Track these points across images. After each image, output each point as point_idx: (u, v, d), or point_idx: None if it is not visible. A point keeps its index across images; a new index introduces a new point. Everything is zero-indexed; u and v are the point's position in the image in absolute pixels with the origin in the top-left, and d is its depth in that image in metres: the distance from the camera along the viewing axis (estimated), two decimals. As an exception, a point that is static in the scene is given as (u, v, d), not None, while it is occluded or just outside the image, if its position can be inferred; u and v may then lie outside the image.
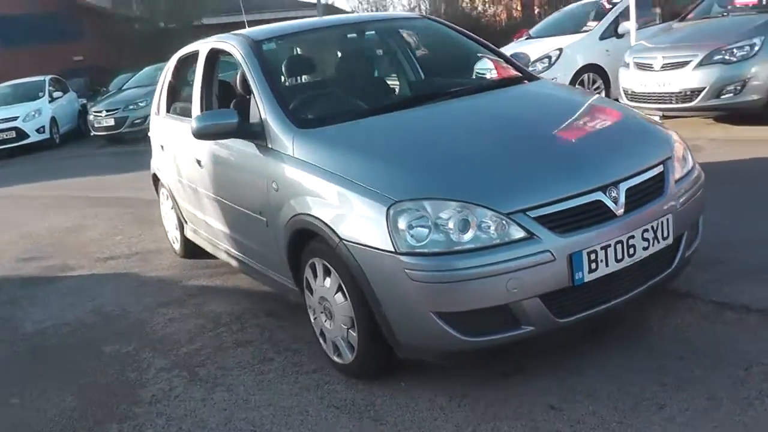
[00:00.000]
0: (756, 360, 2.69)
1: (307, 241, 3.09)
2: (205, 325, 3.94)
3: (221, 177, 3.90)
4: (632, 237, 2.70)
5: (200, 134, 3.47)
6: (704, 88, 6.37)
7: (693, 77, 6.45)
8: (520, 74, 3.97)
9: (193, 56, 4.55)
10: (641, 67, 7.08)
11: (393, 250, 2.58)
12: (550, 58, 8.56)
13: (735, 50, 6.23)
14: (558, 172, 2.74)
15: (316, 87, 4.36)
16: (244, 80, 3.75)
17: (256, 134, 3.42)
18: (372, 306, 2.72)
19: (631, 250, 2.71)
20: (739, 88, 6.16)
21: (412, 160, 2.91)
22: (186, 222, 4.88)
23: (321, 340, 3.23)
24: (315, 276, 3.09)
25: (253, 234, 3.65)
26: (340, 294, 2.92)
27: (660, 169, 2.91)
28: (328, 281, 2.99)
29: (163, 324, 4.04)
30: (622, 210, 2.69)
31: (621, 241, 2.67)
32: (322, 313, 3.12)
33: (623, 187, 2.73)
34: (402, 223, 2.58)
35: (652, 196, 2.82)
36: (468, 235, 2.53)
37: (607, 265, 2.66)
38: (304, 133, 3.24)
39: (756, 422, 2.36)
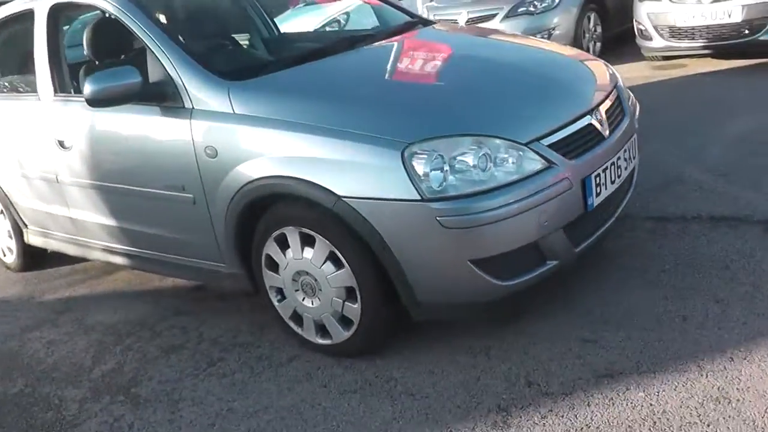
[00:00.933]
0: (728, 259, 2.89)
1: (267, 212, 2.63)
2: (103, 339, 3.21)
3: (107, 155, 3.15)
4: (618, 158, 2.72)
5: (98, 99, 2.75)
6: (512, 40, 6.80)
7: (500, 29, 6.83)
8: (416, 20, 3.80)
9: (23, 17, 3.61)
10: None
11: (419, 198, 2.28)
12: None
13: (536, 2, 6.71)
14: (554, 100, 2.65)
15: (213, 37, 3.73)
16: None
17: (165, 95, 2.81)
18: (388, 266, 2.39)
19: (619, 171, 2.74)
20: (546, 36, 6.66)
21: (400, 101, 2.60)
22: (27, 226, 3.92)
23: (291, 324, 2.79)
24: (283, 250, 2.65)
25: (165, 218, 3.02)
26: (329, 263, 2.53)
27: (616, 92, 2.97)
28: (309, 252, 2.57)
29: (44, 350, 3.20)
30: (608, 131, 2.69)
31: (613, 163, 2.68)
32: (297, 291, 2.68)
33: (602, 109, 2.73)
34: (422, 167, 2.29)
35: (620, 117, 2.87)
36: (491, 171, 2.32)
37: (606, 188, 2.64)
38: (244, 86, 2.73)
39: (768, 311, 2.52)
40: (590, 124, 2.63)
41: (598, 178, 2.58)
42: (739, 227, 3.15)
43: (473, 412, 2.27)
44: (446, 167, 2.29)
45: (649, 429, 2.06)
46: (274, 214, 2.62)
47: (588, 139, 2.59)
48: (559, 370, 2.39)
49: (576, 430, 2.12)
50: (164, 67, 2.82)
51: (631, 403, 2.18)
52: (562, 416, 2.18)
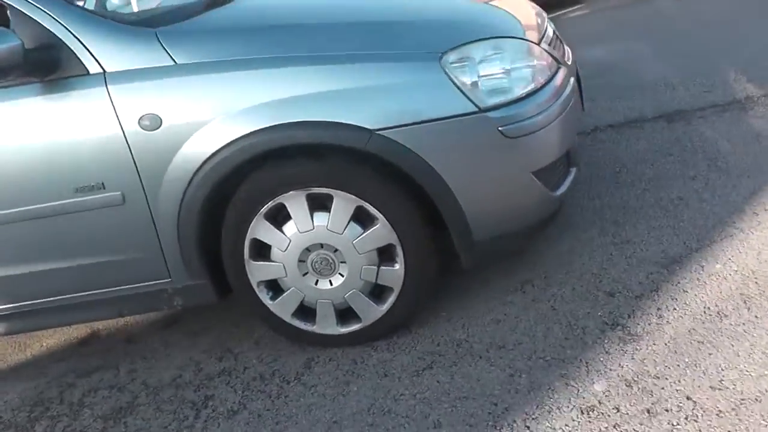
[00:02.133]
0: (675, 154, 3.03)
1: (248, 184, 2.03)
2: (19, 410, 2.19)
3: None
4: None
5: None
6: None
7: None
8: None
9: None
10: None
11: (475, 109, 1.93)
12: None
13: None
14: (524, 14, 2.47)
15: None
16: None
17: (54, 64, 2.00)
18: (440, 203, 1.99)
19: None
20: None
21: (404, 16, 2.19)
22: None
23: (295, 322, 2.19)
24: (278, 227, 2.06)
25: (73, 240, 2.14)
26: (353, 225, 2.03)
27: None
28: (322, 217, 2.03)
29: None
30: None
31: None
32: (305, 275, 2.11)
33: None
34: (466, 76, 1.95)
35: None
36: (524, 72, 2.07)
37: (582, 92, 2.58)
38: (179, 30, 2.08)
39: (743, 191, 2.67)
40: (553, 31, 2.54)
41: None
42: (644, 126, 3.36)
43: (588, 338, 1.99)
44: (485, 72, 1.99)
45: (742, 295, 2.02)
46: (261, 182, 2.03)
47: (555, 45, 2.49)
48: (623, 273, 2.24)
49: (700, 313, 1.98)
50: (43, 27, 2.00)
51: (719, 276, 2.12)
52: (675, 309, 2.02)
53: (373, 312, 2.14)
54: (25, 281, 2.22)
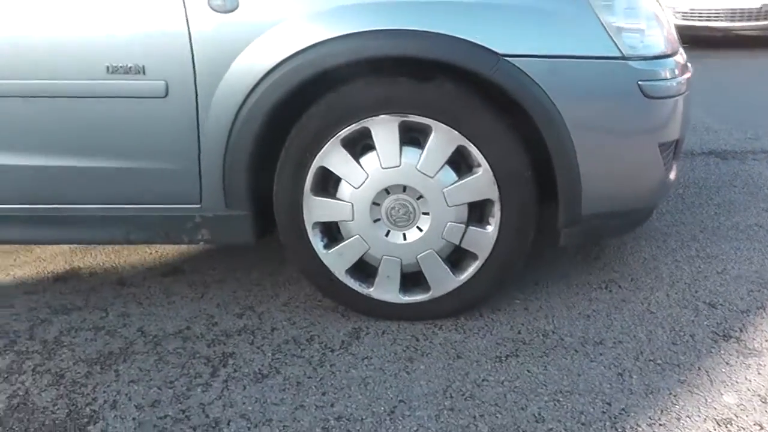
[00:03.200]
0: (738, 185, 2.81)
1: (329, 98, 1.66)
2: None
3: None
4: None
5: None
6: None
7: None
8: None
9: None
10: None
11: (619, 54, 1.64)
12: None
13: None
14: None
15: None
16: None
17: None
18: (557, 158, 1.66)
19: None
20: None
21: None
22: None
23: (349, 281, 1.79)
24: (357, 158, 1.70)
25: (94, 131, 1.71)
26: (448, 169, 1.69)
27: None
28: (412, 154, 1.68)
29: None
30: None
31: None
32: (377, 221, 1.73)
33: None
34: (614, 17, 1.66)
35: None
36: (656, 34, 1.79)
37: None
38: None
39: None
40: None
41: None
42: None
43: (700, 347, 1.68)
44: (628, 22, 1.71)
45: None
46: (347, 99, 1.67)
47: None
48: (719, 286, 1.97)
49: (831, 337, 1.71)
50: None
51: (838, 303, 1.86)
52: (799, 327, 1.75)
53: (446, 282, 1.77)
54: (19, 177, 1.77)
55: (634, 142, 1.73)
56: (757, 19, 6.96)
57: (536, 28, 1.62)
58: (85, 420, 1.48)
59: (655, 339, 1.71)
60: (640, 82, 1.66)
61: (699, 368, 1.60)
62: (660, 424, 1.41)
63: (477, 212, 1.74)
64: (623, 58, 1.64)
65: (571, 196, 1.71)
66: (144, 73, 1.66)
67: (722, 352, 1.66)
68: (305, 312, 1.89)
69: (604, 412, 1.45)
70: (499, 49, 1.59)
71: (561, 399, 1.50)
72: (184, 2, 1.62)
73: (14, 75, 1.69)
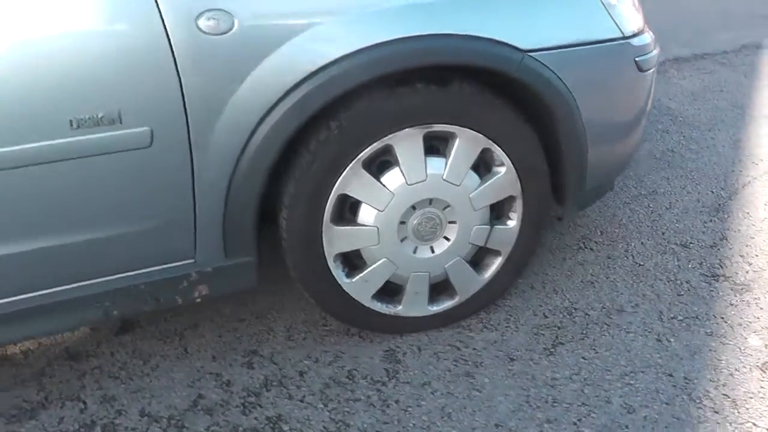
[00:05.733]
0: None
1: (347, 117, 1.47)
2: None
3: None
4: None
5: None
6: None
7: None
8: None
9: None
10: None
11: (621, 35, 1.64)
12: None
13: None
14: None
15: None
16: None
17: None
18: (569, 144, 1.64)
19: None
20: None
21: None
22: None
23: (376, 305, 1.67)
24: (376, 176, 1.54)
25: (43, 202, 1.33)
26: (471, 173, 1.60)
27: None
28: (437, 164, 1.56)
29: None
30: None
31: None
32: (404, 240, 1.60)
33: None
34: (613, -6, 1.64)
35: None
36: (631, 7, 1.81)
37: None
38: None
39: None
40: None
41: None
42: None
43: (701, 292, 1.85)
44: (612, -4, 1.70)
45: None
46: (367, 117, 1.48)
47: None
48: (678, 224, 2.15)
49: (788, 259, 1.97)
50: None
51: (769, 223, 2.15)
52: (757, 255, 1.98)
53: (473, 284, 1.73)
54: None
55: (632, 117, 1.77)
56: None
57: (552, 18, 1.54)
58: None
59: (662, 294, 1.85)
60: (636, 59, 1.68)
61: (714, 316, 1.76)
62: (722, 385, 1.55)
63: (496, 210, 1.69)
64: (624, 37, 1.64)
65: (577, 180, 1.72)
66: (120, 121, 1.31)
67: (721, 294, 1.84)
68: (319, 343, 1.74)
69: (674, 386, 1.55)
70: (523, 45, 1.50)
71: (631, 381, 1.57)
72: (164, 26, 1.29)
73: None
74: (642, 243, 2.07)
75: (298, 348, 1.72)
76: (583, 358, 1.64)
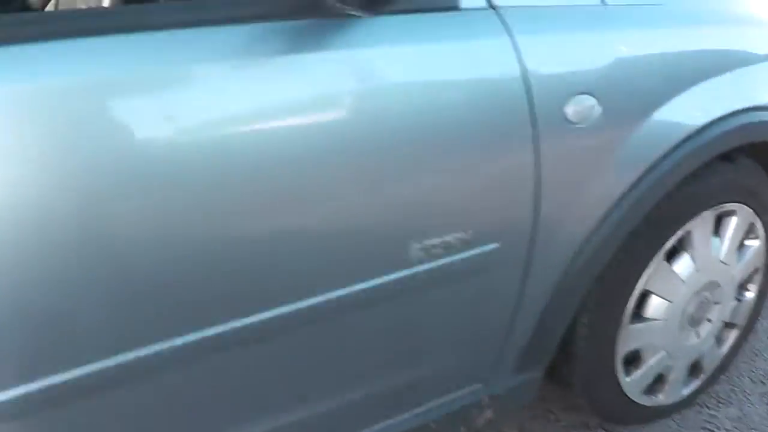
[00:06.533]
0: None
1: (667, 203, 1.31)
2: None
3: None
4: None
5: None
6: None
7: None
8: None
9: None
10: None
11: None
12: None
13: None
14: None
15: None
16: None
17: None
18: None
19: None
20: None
21: None
22: None
23: (642, 400, 1.53)
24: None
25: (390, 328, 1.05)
26: (735, 251, 1.52)
27: None
28: (714, 245, 1.45)
29: None
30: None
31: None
32: (683, 330, 1.47)
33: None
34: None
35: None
36: None
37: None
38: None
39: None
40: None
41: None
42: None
43: None
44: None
45: None
46: (682, 201, 1.33)
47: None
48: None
49: None
50: None
51: None
52: None
53: (715, 360, 1.64)
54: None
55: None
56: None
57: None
58: None
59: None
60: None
61: None
62: None
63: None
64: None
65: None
66: (469, 242, 1.07)
67: None
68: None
69: None
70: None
71: None
72: (533, 121, 1.06)
73: (268, 302, 0.92)
74: None
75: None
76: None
